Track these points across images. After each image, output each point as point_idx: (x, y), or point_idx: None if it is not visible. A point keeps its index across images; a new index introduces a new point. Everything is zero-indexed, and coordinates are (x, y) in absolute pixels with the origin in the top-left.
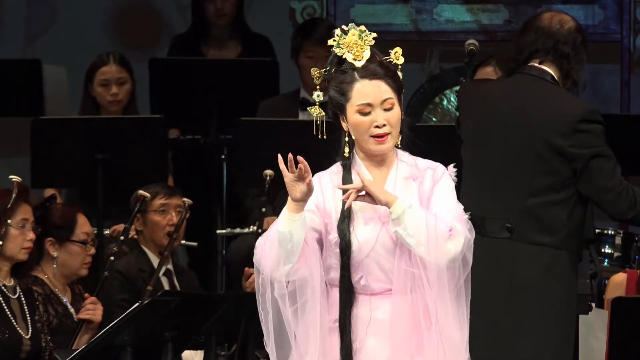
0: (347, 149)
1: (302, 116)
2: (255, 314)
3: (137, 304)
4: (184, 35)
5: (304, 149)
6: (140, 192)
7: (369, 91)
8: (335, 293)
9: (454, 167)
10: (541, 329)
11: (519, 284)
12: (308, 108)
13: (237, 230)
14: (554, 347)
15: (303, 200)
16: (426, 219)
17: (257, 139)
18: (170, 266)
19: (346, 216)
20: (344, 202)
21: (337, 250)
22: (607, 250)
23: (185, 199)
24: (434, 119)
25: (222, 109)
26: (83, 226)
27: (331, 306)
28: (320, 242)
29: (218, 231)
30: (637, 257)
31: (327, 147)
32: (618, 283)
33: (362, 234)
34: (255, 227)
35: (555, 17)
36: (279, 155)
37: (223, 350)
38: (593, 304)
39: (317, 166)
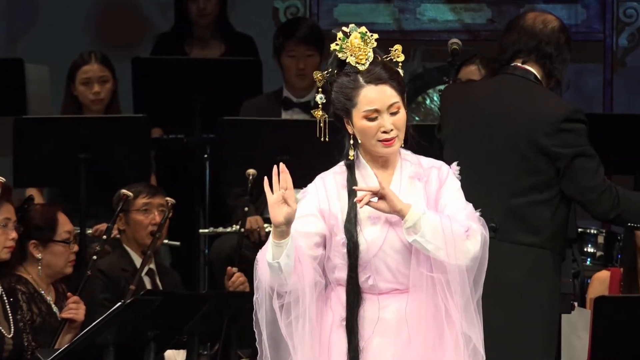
0: (352, 152)
1: (285, 115)
2: (238, 312)
3: (119, 303)
4: (167, 35)
5: (287, 148)
6: (123, 191)
7: (375, 97)
8: (341, 292)
9: (457, 165)
10: (526, 329)
11: (504, 284)
12: (312, 111)
13: (220, 229)
14: (539, 347)
15: (287, 224)
16: (441, 223)
17: (240, 139)
18: (152, 265)
19: (353, 216)
20: (350, 207)
21: (344, 250)
22: (590, 249)
23: (168, 199)
24: (417, 118)
25: (205, 108)
26: (64, 225)
27: (337, 305)
28: (323, 244)
29: (201, 230)
30: (619, 256)
31: (309, 146)
32: (601, 280)
33: (369, 234)
34: (237, 227)
35: (539, 17)
36: (265, 178)
37: (205, 350)
38: (575, 303)
39: (302, 165)
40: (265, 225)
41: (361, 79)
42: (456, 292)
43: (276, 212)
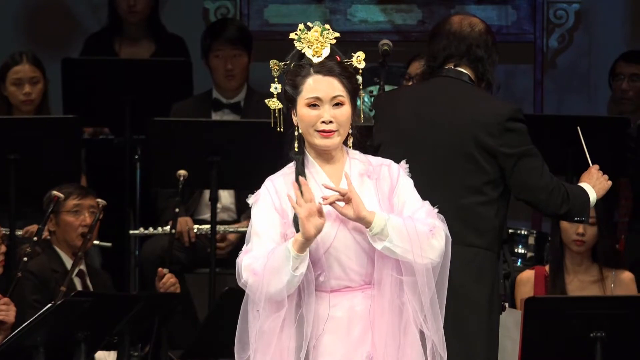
0: (296, 144)
1: (215, 117)
2: (169, 314)
3: (50, 304)
4: (98, 34)
5: (217, 149)
6: (54, 192)
7: (320, 86)
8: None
9: (406, 162)
10: (475, 332)
11: (453, 287)
12: (266, 100)
13: (150, 230)
14: (486, 349)
15: (316, 236)
16: (405, 225)
17: (170, 139)
18: (83, 267)
19: None
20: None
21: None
22: (521, 250)
23: (99, 200)
24: None
25: (135, 108)
26: None
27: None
28: None
29: (131, 232)
30: (549, 257)
31: (240, 147)
32: (525, 280)
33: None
34: (167, 227)
35: (464, 20)
36: (288, 196)
37: (136, 351)
38: (506, 304)
39: (232, 165)
40: (195, 226)
41: (312, 69)
42: (423, 292)
43: (309, 225)
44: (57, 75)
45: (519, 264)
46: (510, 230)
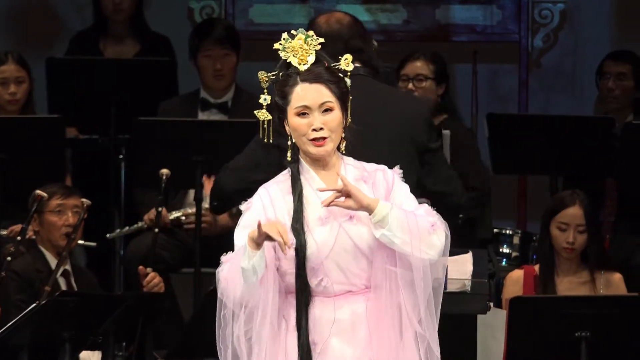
0: (289, 153)
1: (202, 116)
2: (154, 313)
3: (34, 304)
4: (82, 34)
5: (202, 148)
6: (38, 192)
7: (307, 94)
8: (292, 298)
9: (400, 168)
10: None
11: None
12: (255, 112)
13: (126, 229)
14: None
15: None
16: (407, 217)
17: (155, 139)
18: (68, 266)
19: (300, 217)
20: (298, 204)
21: (293, 253)
22: (506, 250)
23: (83, 200)
24: None
25: (120, 108)
26: None
27: (289, 311)
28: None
29: (108, 235)
30: (534, 256)
31: (225, 147)
32: (515, 280)
33: (320, 236)
34: (142, 223)
35: (330, 19)
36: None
37: (121, 351)
38: (491, 304)
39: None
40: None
41: (298, 78)
42: (418, 287)
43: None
44: (41, 75)
45: (503, 263)
46: (495, 230)
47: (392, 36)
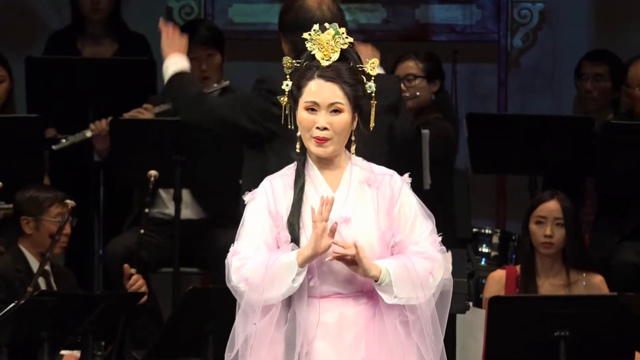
0: (298, 145)
1: None
2: (133, 313)
3: (13, 304)
4: (60, 33)
5: (182, 148)
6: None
7: (319, 91)
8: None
9: (409, 176)
10: None
11: None
12: (277, 97)
13: (72, 137)
14: None
15: (322, 254)
16: (407, 271)
17: (134, 139)
18: (47, 267)
19: (297, 212)
20: (297, 199)
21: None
22: (485, 249)
23: (68, 201)
24: None
25: (98, 108)
26: None
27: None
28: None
29: (53, 146)
30: (514, 256)
31: (205, 146)
32: (497, 279)
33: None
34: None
35: (321, 4)
36: (312, 208)
37: (100, 350)
38: (470, 303)
39: (198, 165)
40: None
41: (316, 73)
42: (426, 325)
43: (320, 241)
44: (20, 74)
45: (483, 263)
46: (474, 230)
47: (371, 36)
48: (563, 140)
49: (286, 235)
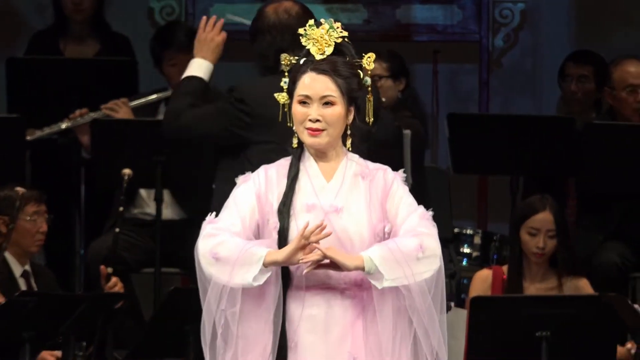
0: (295, 139)
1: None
2: (114, 313)
3: None
4: (42, 33)
5: (163, 148)
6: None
7: (311, 84)
8: (271, 288)
9: (404, 172)
10: None
11: None
12: (275, 94)
13: (47, 129)
14: None
15: (289, 265)
16: (391, 252)
17: (114, 139)
18: (27, 267)
19: (288, 201)
20: (288, 188)
21: (276, 236)
22: (466, 249)
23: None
24: None
25: (80, 108)
26: None
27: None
28: (257, 235)
29: (28, 137)
30: (495, 256)
31: (185, 147)
32: (483, 279)
33: (303, 222)
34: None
35: (278, 8)
36: (307, 222)
37: (81, 351)
38: (452, 304)
39: (178, 165)
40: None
41: (310, 67)
42: (421, 310)
43: (298, 256)
44: (1, 75)
45: (464, 263)
46: (455, 230)
47: (352, 36)
48: (544, 140)
49: (275, 222)
